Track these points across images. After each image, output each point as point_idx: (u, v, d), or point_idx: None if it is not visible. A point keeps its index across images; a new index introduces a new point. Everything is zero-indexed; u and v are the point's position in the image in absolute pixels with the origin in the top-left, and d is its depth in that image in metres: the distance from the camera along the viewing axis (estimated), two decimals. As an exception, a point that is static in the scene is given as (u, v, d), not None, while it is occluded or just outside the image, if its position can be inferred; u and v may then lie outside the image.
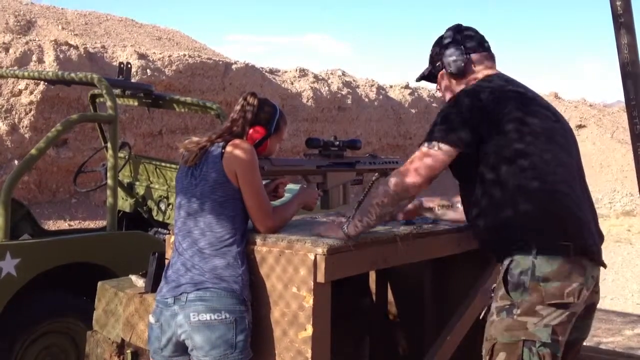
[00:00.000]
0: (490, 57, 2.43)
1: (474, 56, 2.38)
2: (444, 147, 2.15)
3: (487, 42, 2.45)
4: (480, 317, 2.23)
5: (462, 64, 2.36)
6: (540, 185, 2.07)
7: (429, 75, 2.51)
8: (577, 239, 2.04)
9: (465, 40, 2.40)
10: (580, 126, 20.11)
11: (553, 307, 1.98)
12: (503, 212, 2.10)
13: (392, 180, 2.18)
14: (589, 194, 2.29)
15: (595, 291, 2.18)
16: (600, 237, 2.20)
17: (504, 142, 2.12)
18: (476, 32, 2.47)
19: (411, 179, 2.16)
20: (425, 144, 2.19)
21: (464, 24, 2.49)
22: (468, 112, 2.16)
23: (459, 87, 2.36)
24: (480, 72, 2.37)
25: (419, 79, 2.58)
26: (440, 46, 2.45)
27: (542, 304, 1.98)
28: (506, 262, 2.09)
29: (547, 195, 2.07)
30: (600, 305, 7.97)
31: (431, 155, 2.16)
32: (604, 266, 2.18)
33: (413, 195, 2.21)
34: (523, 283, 2.00)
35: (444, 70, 2.41)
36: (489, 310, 2.14)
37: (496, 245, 2.16)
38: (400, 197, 2.19)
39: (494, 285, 2.17)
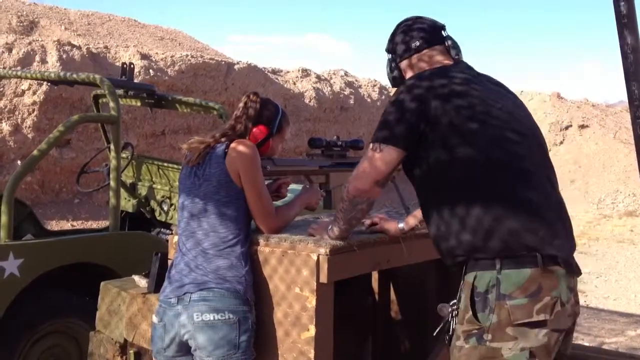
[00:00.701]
0: (434, 51, 2.18)
1: (402, 64, 2.22)
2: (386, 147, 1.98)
3: (419, 38, 2.19)
4: (434, 334, 2.01)
5: (397, 75, 2.23)
6: (498, 192, 1.87)
7: (396, 81, 2.31)
8: (544, 248, 1.81)
9: (396, 48, 2.23)
10: (582, 126, 20.07)
11: (524, 327, 1.76)
12: (458, 225, 1.88)
13: (347, 185, 2.08)
14: (560, 196, 2.05)
15: (576, 301, 1.92)
16: (571, 243, 1.95)
17: (451, 146, 1.92)
18: (408, 31, 2.23)
19: (359, 183, 2.02)
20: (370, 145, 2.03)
21: (407, 20, 2.28)
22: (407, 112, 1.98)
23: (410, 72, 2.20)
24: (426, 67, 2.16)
25: (393, 86, 2.44)
26: (391, 40, 2.29)
27: (511, 325, 1.76)
28: (470, 277, 1.86)
29: (506, 203, 1.85)
30: (604, 305, 7.99)
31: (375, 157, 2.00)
32: (579, 273, 1.93)
33: (368, 198, 2.05)
34: (489, 302, 1.79)
35: (402, 60, 2.23)
36: (446, 329, 1.96)
37: (456, 261, 1.93)
38: (355, 201, 2.06)
39: (454, 301, 1.96)
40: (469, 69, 2.16)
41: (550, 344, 1.79)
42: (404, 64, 2.21)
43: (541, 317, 1.76)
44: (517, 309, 1.76)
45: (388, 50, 2.28)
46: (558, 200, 2.02)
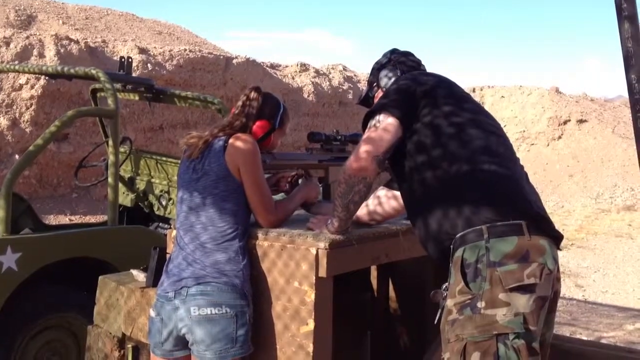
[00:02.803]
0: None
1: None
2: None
3: (422, 65, 2.48)
4: (435, 322, 2.00)
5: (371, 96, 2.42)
6: (480, 166, 1.97)
7: (366, 100, 2.49)
8: (528, 217, 1.88)
9: (400, 63, 2.43)
10: (581, 121, 20.07)
11: (516, 292, 1.78)
12: (444, 202, 1.95)
13: (344, 168, 2.12)
14: (529, 180, 2.12)
15: (558, 278, 1.97)
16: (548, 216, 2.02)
17: (434, 129, 2.06)
18: (412, 55, 2.49)
19: (355, 161, 2.06)
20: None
21: (400, 49, 2.53)
22: (402, 94, 2.15)
23: None
24: None
25: (358, 103, 2.54)
26: (376, 69, 2.47)
27: (504, 290, 1.78)
28: (459, 252, 1.89)
29: (488, 176, 1.96)
30: (602, 300, 8.00)
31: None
32: (559, 248, 1.99)
33: (365, 177, 2.05)
34: (480, 271, 1.82)
35: (380, 90, 2.41)
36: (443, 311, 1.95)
37: (444, 240, 1.96)
38: (352, 182, 2.07)
39: (446, 284, 1.97)
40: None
41: (541, 311, 1.83)
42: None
43: (532, 281, 1.80)
44: (508, 274, 1.80)
45: (388, 60, 2.47)
46: (528, 180, 2.11)
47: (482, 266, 1.82)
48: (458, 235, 1.90)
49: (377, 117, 2.10)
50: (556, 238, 1.96)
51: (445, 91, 2.17)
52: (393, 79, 2.37)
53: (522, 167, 2.12)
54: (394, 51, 2.49)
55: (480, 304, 1.80)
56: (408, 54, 2.48)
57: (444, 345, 1.90)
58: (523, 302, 1.78)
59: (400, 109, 2.08)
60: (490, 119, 2.18)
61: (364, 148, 2.04)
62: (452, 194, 1.95)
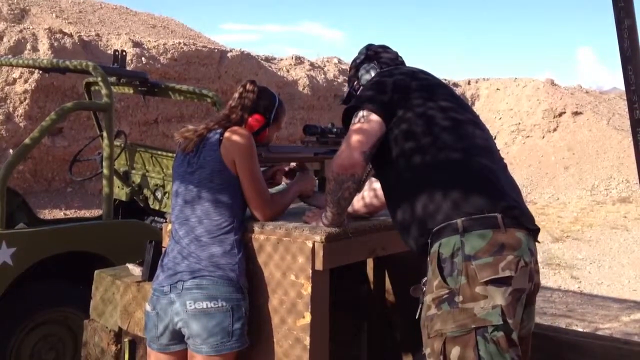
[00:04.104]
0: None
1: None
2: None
3: (400, 57, 2.48)
4: (416, 317, 1.99)
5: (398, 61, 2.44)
6: (454, 159, 1.97)
7: (349, 99, 2.43)
8: (504, 210, 1.87)
9: (378, 58, 2.43)
10: (576, 113, 20.08)
11: (492, 284, 1.78)
12: (421, 196, 1.94)
13: (331, 165, 2.12)
14: (508, 172, 2.12)
15: (536, 270, 1.96)
16: (526, 208, 2.01)
17: (409, 123, 2.06)
18: (388, 48, 2.49)
19: (341, 158, 2.05)
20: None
21: (376, 44, 2.52)
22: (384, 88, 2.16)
23: None
24: None
25: (341, 103, 2.50)
26: (354, 66, 2.47)
27: (480, 284, 1.78)
28: (435, 247, 1.89)
29: (464, 169, 1.96)
30: (597, 291, 8.01)
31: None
32: (537, 240, 1.99)
33: (353, 174, 2.04)
34: (455, 265, 1.82)
35: (361, 87, 2.38)
36: (423, 307, 1.94)
37: (421, 237, 1.96)
38: (340, 179, 2.06)
39: (425, 279, 1.97)
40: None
41: (518, 303, 1.83)
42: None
43: (507, 273, 1.79)
44: (483, 267, 1.79)
45: (365, 57, 2.48)
46: (507, 172, 2.11)
47: (458, 260, 1.82)
48: (435, 229, 1.90)
49: (360, 113, 2.09)
50: (534, 231, 1.96)
51: (421, 83, 2.17)
52: (373, 73, 2.37)
53: (500, 158, 2.12)
54: (369, 47, 2.48)
55: (458, 299, 1.80)
56: (384, 48, 2.49)
57: (424, 340, 1.90)
58: (500, 295, 1.78)
59: (381, 104, 2.09)
60: (467, 109, 2.19)
61: (349, 145, 2.03)
62: (428, 187, 1.94)
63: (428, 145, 2.00)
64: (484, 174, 1.96)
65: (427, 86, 2.17)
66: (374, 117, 2.06)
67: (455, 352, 1.78)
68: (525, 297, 1.87)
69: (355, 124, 2.08)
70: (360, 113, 2.09)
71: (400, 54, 2.51)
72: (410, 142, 2.02)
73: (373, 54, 2.45)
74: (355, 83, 2.45)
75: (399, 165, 2.03)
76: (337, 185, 2.08)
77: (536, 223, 1.99)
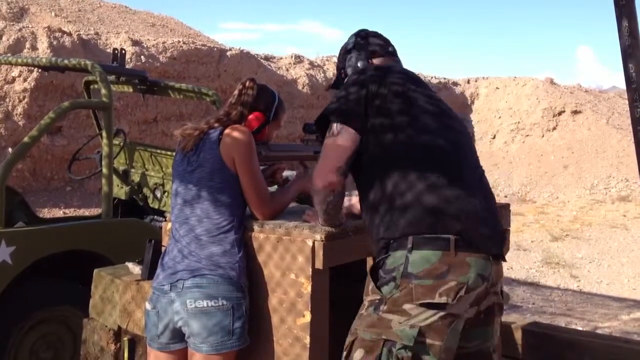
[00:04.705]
0: (394, 62, 2.34)
1: (376, 61, 2.30)
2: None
3: (391, 45, 2.38)
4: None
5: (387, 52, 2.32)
6: (415, 175, 1.89)
7: (337, 84, 2.37)
8: (459, 232, 1.82)
9: (367, 45, 2.33)
10: (575, 112, 20.09)
11: (423, 307, 1.76)
12: (381, 208, 1.92)
13: (311, 180, 2.10)
14: (484, 181, 2.06)
15: (494, 292, 1.91)
16: (496, 229, 1.96)
17: (378, 132, 1.98)
18: (380, 36, 2.39)
19: (317, 178, 2.03)
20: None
21: (369, 29, 2.43)
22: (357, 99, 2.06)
23: None
24: None
25: (327, 89, 2.48)
26: (343, 53, 2.38)
27: (411, 302, 1.76)
28: (383, 256, 1.90)
29: (423, 186, 1.88)
30: (597, 290, 8.02)
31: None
32: (503, 259, 1.95)
33: (333, 190, 2.02)
34: (394, 279, 1.81)
35: (347, 76, 2.30)
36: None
37: (378, 245, 1.95)
38: (322, 195, 2.05)
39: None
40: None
41: (449, 328, 1.78)
42: (377, 61, 2.34)
43: (442, 300, 1.76)
44: (421, 288, 1.77)
45: (354, 45, 2.39)
46: (482, 182, 2.04)
47: (398, 274, 1.81)
48: (390, 241, 1.88)
49: (333, 127, 2.03)
50: (496, 255, 1.91)
51: (397, 89, 2.05)
52: (360, 64, 2.30)
53: (476, 167, 2.06)
54: (359, 33, 2.39)
55: (383, 307, 1.81)
56: (375, 35, 2.38)
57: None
58: (425, 317, 1.76)
59: (354, 115, 2.01)
60: (447, 116, 2.09)
61: (324, 162, 2.01)
62: (392, 201, 1.90)
63: (396, 158, 1.94)
64: (447, 193, 1.88)
65: (403, 93, 2.05)
66: (347, 130, 2.00)
67: (358, 354, 1.82)
68: (462, 322, 1.82)
69: (329, 138, 2.03)
70: (334, 126, 2.03)
71: (392, 43, 2.40)
72: (379, 154, 1.97)
73: (362, 41, 2.35)
74: (342, 70, 2.37)
75: (369, 173, 2.00)
76: (320, 199, 2.08)
77: (503, 246, 1.95)
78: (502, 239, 1.97)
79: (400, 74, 2.14)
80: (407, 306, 1.77)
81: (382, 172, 1.94)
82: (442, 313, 1.76)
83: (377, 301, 1.84)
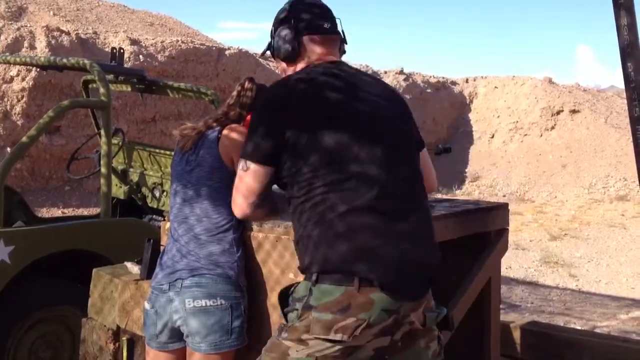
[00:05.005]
0: (328, 41, 2.07)
1: (305, 39, 2.04)
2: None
3: (328, 21, 2.08)
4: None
5: (290, 48, 2.04)
6: (328, 209, 1.78)
7: (267, 51, 2.18)
8: (365, 271, 1.72)
9: (299, 19, 2.05)
10: (574, 111, 20.09)
11: (320, 340, 1.72)
12: (300, 229, 1.84)
13: None
14: (420, 206, 1.91)
15: (409, 322, 1.81)
16: (418, 264, 1.82)
17: (293, 160, 1.84)
18: (316, 7, 2.10)
19: (238, 211, 1.98)
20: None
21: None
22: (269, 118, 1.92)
23: (290, 71, 2.07)
24: (314, 57, 2.04)
25: (260, 56, 2.39)
26: (274, 22, 2.13)
27: (309, 333, 1.73)
28: (295, 285, 1.88)
29: (335, 221, 1.76)
30: (595, 289, 8.04)
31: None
32: (413, 298, 1.81)
33: (253, 219, 2.07)
34: (297, 308, 1.78)
35: (275, 53, 2.11)
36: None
37: (299, 265, 1.88)
38: (251, 219, 2.08)
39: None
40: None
41: (342, 357, 1.74)
42: (307, 39, 2.07)
43: (337, 337, 1.71)
44: (319, 322, 1.73)
45: (285, 17, 2.10)
46: (413, 208, 1.87)
47: (300, 306, 1.78)
48: (303, 269, 1.85)
49: (242, 162, 1.93)
50: (412, 292, 1.82)
51: (317, 107, 1.87)
52: (288, 44, 2.05)
53: (410, 180, 1.91)
54: (295, 3, 2.10)
55: (284, 334, 1.79)
56: (311, 5, 2.10)
57: None
58: (321, 348, 1.73)
59: (264, 150, 1.88)
60: (375, 127, 1.89)
61: (238, 196, 1.95)
62: (308, 230, 1.81)
63: (314, 188, 1.81)
64: (359, 230, 1.76)
65: (323, 110, 1.87)
66: (255, 167, 1.90)
67: None
68: (368, 351, 1.77)
69: (239, 171, 1.95)
70: (242, 162, 1.93)
71: (331, 14, 2.11)
72: (298, 183, 1.84)
73: (294, 14, 2.07)
74: (273, 40, 2.12)
75: (290, 189, 1.90)
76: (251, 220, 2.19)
77: (422, 285, 1.85)
78: (421, 277, 1.84)
79: (317, 86, 1.93)
80: (305, 336, 1.74)
81: (300, 203, 1.84)
82: (340, 347, 1.72)
83: (282, 326, 1.84)
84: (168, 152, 4.76)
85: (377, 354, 1.79)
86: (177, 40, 13.52)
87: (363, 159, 1.82)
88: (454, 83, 21.56)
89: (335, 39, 2.10)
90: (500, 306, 3.12)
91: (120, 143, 5.03)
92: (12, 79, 10.84)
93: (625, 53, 1.94)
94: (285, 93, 1.94)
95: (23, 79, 10.83)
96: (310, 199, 1.81)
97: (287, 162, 1.85)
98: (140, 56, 12.40)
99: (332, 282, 1.74)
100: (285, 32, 2.05)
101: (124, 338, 2.71)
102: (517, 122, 20.36)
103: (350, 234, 1.76)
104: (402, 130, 1.99)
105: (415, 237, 1.83)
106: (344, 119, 1.87)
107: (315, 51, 2.05)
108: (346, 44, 2.16)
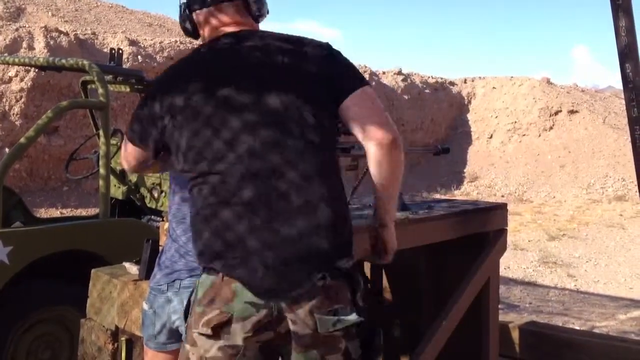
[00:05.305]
0: (218, 11, 1.85)
1: (194, 16, 1.88)
2: None
3: None
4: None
5: (188, 28, 1.90)
6: (202, 199, 1.71)
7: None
8: (228, 261, 1.65)
9: None
10: (572, 112, 20.11)
11: (202, 336, 1.66)
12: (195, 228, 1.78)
13: None
14: (310, 184, 1.67)
15: (292, 320, 1.65)
16: (291, 254, 1.63)
17: (168, 146, 1.78)
18: None
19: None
20: None
21: None
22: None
23: None
24: (207, 32, 1.88)
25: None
26: None
27: (192, 329, 1.69)
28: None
29: (207, 212, 1.69)
30: (594, 289, 8.05)
31: None
32: (284, 295, 1.64)
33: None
34: (189, 306, 1.77)
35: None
36: None
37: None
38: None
39: None
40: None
41: (229, 358, 1.66)
42: (199, 16, 1.90)
43: (203, 331, 1.65)
44: (195, 316, 1.69)
45: None
46: (286, 195, 1.66)
47: (191, 301, 1.76)
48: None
49: (124, 140, 1.93)
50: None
51: (184, 91, 1.74)
52: (182, 18, 1.91)
53: (290, 169, 1.67)
54: None
55: (184, 338, 1.76)
56: None
57: None
58: (208, 347, 1.67)
59: (139, 135, 1.84)
60: (258, 103, 1.69)
61: (123, 161, 1.97)
62: (193, 220, 1.77)
63: (190, 179, 1.74)
64: (227, 220, 1.66)
65: (191, 96, 1.72)
66: (131, 148, 1.89)
67: None
68: (253, 352, 1.68)
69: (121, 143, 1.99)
70: (124, 140, 1.93)
71: None
72: (185, 172, 1.76)
73: None
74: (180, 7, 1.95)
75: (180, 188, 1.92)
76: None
77: (290, 278, 1.65)
78: (299, 269, 1.64)
79: (199, 70, 1.79)
80: (194, 335, 1.69)
81: (183, 192, 1.85)
82: (220, 344, 1.66)
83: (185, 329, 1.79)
84: (167, 153, 4.75)
85: (266, 350, 1.69)
86: (176, 41, 13.52)
87: (230, 146, 1.67)
88: (452, 83, 21.57)
89: (228, 6, 1.85)
90: (499, 306, 3.12)
91: (118, 143, 5.02)
92: (10, 80, 10.84)
93: (624, 55, 1.95)
94: (165, 77, 1.87)
95: (22, 80, 10.82)
96: (191, 189, 1.76)
97: (168, 147, 1.79)
98: (139, 57, 12.40)
99: (206, 272, 1.71)
100: (180, 13, 1.92)
101: (122, 338, 2.71)
102: (516, 122, 20.37)
103: (218, 224, 1.67)
104: (291, 99, 1.70)
105: (291, 225, 1.64)
106: (212, 105, 1.70)
107: (207, 26, 1.87)
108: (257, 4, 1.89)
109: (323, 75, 1.73)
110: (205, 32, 1.88)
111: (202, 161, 1.69)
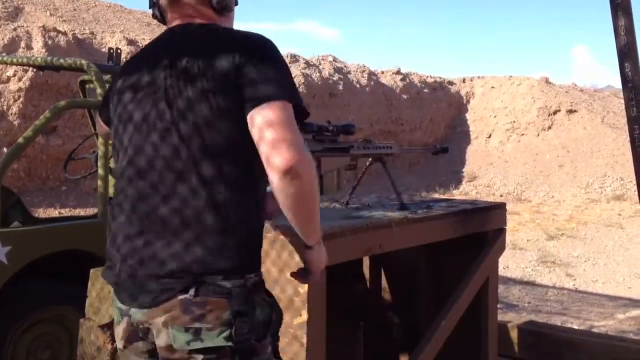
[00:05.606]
0: (172, 4, 1.75)
1: (159, 6, 1.80)
2: None
3: None
4: None
5: (157, 13, 1.82)
6: (120, 203, 1.76)
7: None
8: (106, 267, 1.77)
9: None
10: (571, 111, 20.12)
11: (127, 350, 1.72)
12: None
13: None
14: (174, 193, 1.59)
15: (151, 342, 1.61)
16: (141, 262, 1.60)
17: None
18: None
19: None
20: None
21: None
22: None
23: None
24: (171, 22, 1.80)
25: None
26: None
27: None
28: None
29: (115, 221, 1.78)
30: (592, 289, 8.07)
31: None
32: (141, 304, 1.60)
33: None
34: None
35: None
36: None
37: None
38: None
39: None
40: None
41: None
42: (162, 3, 1.80)
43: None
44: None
45: None
46: (149, 204, 1.62)
47: None
48: None
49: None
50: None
51: (121, 84, 1.76)
52: (153, 11, 1.85)
53: (156, 173, 1.61)
54: None
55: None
56: None
57: None
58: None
59: (102, 110, 1.97)
60: (159, 111, 1.62)
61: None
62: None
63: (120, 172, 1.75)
64: (113, 226, 1.78)
65: (129, 88, 1.71)
66: (99, 119, 2.04)
67: None
68: (137, 355, 1.69)
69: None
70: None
71: None
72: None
73: None
74: None
75: None
76: None
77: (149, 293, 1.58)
78: (152, 279, 1.57)
79: (131, 61, 1.82)
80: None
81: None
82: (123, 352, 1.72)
83: None
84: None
85: None
86: (174, 41, 13.49)
87: (128, 147, 1.68)
88: (451, 83, 21.58)
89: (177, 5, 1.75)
90: (498, 306, 3.13)
91: (117, 143, 5.02)
92: (8, 79, 10.83)
93: (623, 54, 1.95)
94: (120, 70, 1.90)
95: (20, 79, 10.81)
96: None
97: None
98: (137, 56, 12.38)
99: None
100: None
101: (121, 338, 2.71)
102: (514, 122, 20.39)
103: (111, 231, 1.79)
104: (181, 103, 1.59)
105: (149, 231, 1.61)
106: (129, 103, 1.69)
107: (167, 14, 1.78)
108: None
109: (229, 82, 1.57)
110: (169, 19, 1.79)
111: (118, 160, 1.75)
